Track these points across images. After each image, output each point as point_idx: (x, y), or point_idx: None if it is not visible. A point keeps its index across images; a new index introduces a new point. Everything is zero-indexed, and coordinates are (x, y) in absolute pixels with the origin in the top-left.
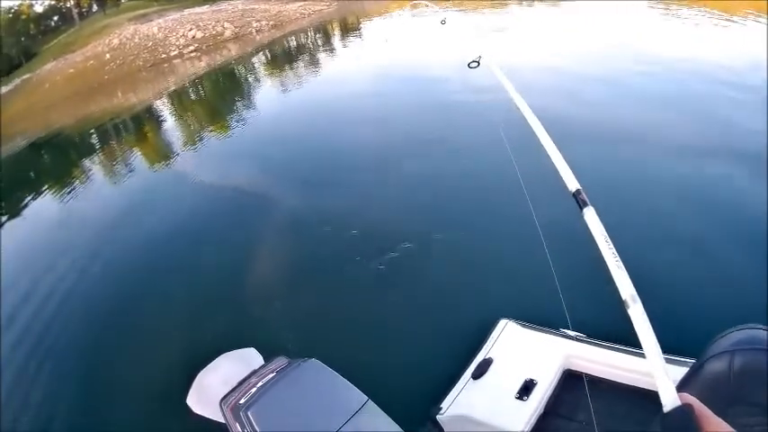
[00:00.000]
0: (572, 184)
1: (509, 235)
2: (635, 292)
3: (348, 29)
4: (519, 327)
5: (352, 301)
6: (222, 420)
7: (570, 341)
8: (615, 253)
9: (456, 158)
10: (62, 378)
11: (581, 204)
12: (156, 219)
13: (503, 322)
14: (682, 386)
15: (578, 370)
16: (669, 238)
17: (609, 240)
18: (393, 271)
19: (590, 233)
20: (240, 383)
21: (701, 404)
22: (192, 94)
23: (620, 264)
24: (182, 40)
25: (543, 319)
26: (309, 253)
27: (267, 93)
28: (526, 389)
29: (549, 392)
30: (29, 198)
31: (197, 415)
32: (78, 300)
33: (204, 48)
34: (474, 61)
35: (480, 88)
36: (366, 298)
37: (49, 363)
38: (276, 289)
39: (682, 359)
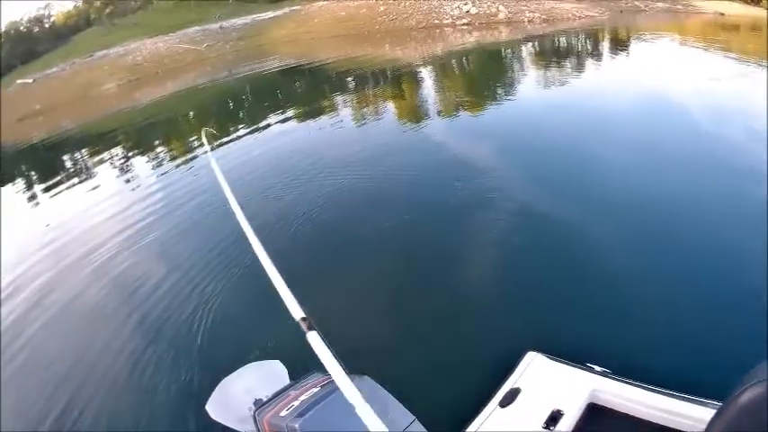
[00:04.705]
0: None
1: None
2: None
3: (617, 43)
4: (547, 359)
5: (384, 317)
6: (241, 430)
7: (597, 376)
8: None
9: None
10: (75, 372)
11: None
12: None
13: (531, 354)
14: (715, 421)
15: (603, 404)
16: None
17: None
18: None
19: None
20: (276, 395)
21: None
22: (455, 65)
23: None
24: (456, 12)
25: (571, 354)
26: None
27: (527, 84)
28: (553, 419)
29: (573, 424)
30: (271, 117)
31: (215, 422)
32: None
33: (476, 24)
34: None
35: None
36: (401, 318)
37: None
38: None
39: (707, 401)
